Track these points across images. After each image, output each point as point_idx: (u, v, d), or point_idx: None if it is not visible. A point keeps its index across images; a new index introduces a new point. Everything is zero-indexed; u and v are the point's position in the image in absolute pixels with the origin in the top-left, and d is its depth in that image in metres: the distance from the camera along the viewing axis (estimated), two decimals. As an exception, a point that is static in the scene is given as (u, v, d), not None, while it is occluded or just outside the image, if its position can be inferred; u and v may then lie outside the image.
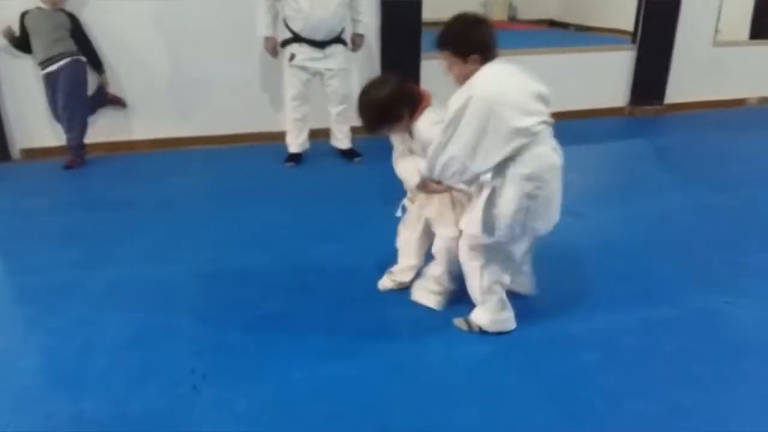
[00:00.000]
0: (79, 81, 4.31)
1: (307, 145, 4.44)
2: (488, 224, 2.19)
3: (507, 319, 2.42)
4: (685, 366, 2.24)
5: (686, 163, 4.54)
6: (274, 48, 4.19)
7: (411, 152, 2.49)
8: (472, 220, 2.25)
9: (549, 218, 2.26)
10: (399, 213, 2.64)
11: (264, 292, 2.74)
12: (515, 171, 2.12)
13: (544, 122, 2.17)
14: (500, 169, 2.13)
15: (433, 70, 4.92)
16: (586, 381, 2.16)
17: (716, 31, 5.88)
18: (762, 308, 2.60)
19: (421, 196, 2.52)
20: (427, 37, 5.04)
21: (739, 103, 6.16)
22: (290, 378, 2.15)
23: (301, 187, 4.03)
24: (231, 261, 3.02)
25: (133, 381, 2.14)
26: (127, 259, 3.05)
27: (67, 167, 4.37)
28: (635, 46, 5.61)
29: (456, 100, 2.14)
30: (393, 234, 2.73)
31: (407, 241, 2.68)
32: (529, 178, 2.13)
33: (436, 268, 2.57)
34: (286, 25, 4.12)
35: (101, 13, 4.43)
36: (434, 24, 7.02)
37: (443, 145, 2.15)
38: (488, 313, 2.39)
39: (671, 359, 2.28)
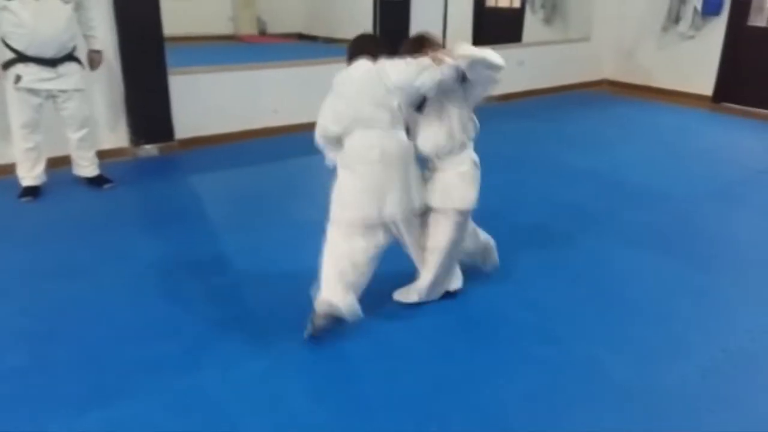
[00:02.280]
0: None
1: (44, 177, 3.96)
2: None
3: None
4: (442, 342, 2.49)
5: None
6: None
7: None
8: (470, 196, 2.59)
9: None
10: None
11: (2, 343, 2.41)
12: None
13: None
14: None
15: (185, 85, 4.86)
16: (358, 373, 2.28)
17: (444, 39, 6.56)
18: (504, 282, 2.98)
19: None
20: (175, 53, 4.88)
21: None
22: (46, 435, 1.93)
23: (41, 223, 3.59)
24: (-43, 318, 2.60)
25: None
26: None
27: None
28: (376, 56, 6.03)
29: None
30: (149, 265, 2.58)
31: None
32: None
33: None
34: (5, 44, 3.63)
35: None
36: (181, 39, 6.78)
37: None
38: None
39: (431, 338, 2.51)
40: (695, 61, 7.13)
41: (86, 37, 3.97)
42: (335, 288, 2.41)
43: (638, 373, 2.31)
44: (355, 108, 2.41)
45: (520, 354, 2.42)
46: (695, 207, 4.01)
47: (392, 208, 2.43)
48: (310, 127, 2.55)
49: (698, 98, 7.12)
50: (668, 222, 3.75)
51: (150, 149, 4.80)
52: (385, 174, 2.42)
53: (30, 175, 3.88)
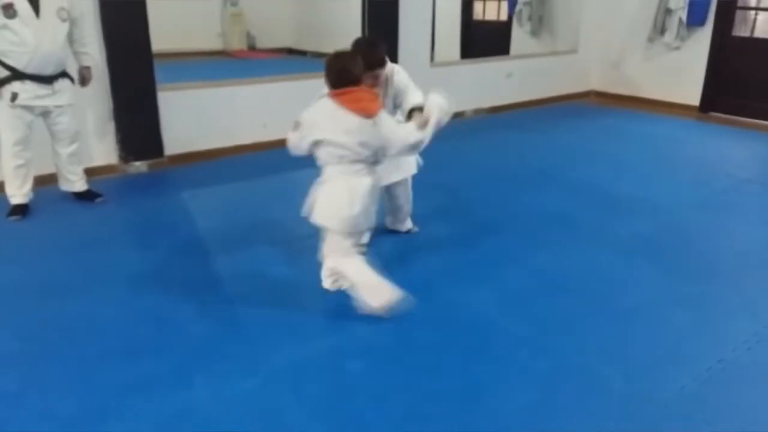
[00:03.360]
0: None
1: (32, 195, 3.92)
2: None
3: None
4: (435, 357, 2.46)
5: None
6: None
7: None
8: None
9: None
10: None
11: (-8, 367, 2.37)
12: None
13: None
14: None
15: (175, 101, 4.84)
16: (352, 390, 2.25)
17: (432, 53, 6.61)
18: (496, 293, 2.97)
19: None
20: (165, 69, 4.87)
21: (458, 115, 6.98)
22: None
23: (31, 241, 3.56)
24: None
25: None
26: None
27: None
28: (366, 70, 6.05)
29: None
30: (138, 282, 2.55)
31: None
32: None
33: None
34: (1, 62, 3.60)
35: None
36: (170, 55, 6.78)
37: None
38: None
39: (424, 352, 2.49)
40: (682, 72, 7.20)
41: (78, 53, 3.97)
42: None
43: (635, 384, 2.30)
44: None
45: (515, 366, 2.41)
46: (685, 216, 4.03)
47: None
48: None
49: (685, 108, 7.19)
50: (659, 231, 3.76)
51: (139, 165, 4.77)
52: None
53: (20, 192, 3.85)
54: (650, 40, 7.38)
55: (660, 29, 7.21)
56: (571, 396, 2.24)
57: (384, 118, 2.64)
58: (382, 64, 3.02)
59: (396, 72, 3.18)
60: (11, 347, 2.51)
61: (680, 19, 6.97)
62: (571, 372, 2.38)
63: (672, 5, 6.97)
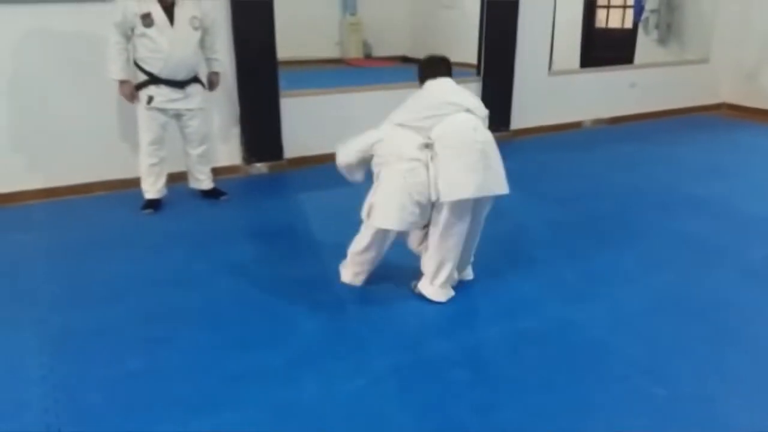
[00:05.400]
0: None
1: (165, 191, 4.25)
2: None
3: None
4: (545, 373, 2.39)
5: (533, 182, 4.90)
6: (131, 92, 3.96)
7: None
8: None
9: None
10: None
11: (122, 347, 2.58)
12: None
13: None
14: None
15: (294, 107, 5.05)
16: (457, 399, 2.23)
17: (551, 61, 6.45)
18: (610, 312, 2.85)
19: None
20: (286, 76, 5.09)
21: (576, 126, 6.77)
22: (158, 436, 2.04)
23: (162, 234, 3.85)
24: (84, 319, 2.80)
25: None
26: (-36, 329, 2.74)
27: None
28: (480, 78, 6.01)
29: None
30: (257, 278, 2.68)
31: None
32: None
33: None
34: (140, 67, 3.94)
35: None
36: (291, 63, 7.08)
37: None
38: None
39: (532, 368, 2.43)
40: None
41: (209, 60, 4.24)
42: None
43: (760, 421, 2.12)
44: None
45: (626, 389, 2.29)
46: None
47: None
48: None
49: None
50: (798, 257, 3.44)
51: (261, 167, 5.03)
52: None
53: (153, 188, 4.17)
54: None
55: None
56: (687, 427, 2.10)
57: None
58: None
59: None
60: (139, 332, 2.71)
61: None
62: (687, 401, 2.23)
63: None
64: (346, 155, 2.98)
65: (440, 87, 2.91)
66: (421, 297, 2.91)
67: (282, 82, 4.98)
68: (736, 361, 2.48)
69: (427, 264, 2.89)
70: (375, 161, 2.90)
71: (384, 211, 2.80)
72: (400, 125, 2.88)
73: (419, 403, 2.23)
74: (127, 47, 3.89)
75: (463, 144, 2.72)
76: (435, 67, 3.00)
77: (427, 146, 2.79)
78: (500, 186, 2.80)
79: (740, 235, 3.74)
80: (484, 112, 2.89)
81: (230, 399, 2.24)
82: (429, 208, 2.82)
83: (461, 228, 2.80)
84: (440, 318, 2.79)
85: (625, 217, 4.07)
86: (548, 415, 2.15)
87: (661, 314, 2.84)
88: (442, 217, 2.77)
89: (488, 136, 2.80)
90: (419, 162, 2.76)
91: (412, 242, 3.05)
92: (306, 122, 5.18)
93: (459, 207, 2.74)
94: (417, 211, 2.77)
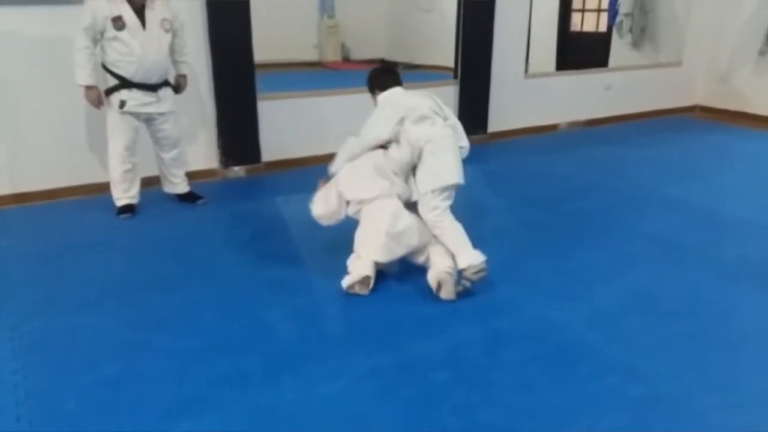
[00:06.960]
0: None
1: (138, 197, 4.17)
2: None
3: None
4: (524, 373, 2.41)
5: (511, 184, 4.93)
6: (98, 97, 3.87)
7: None
8: None
9: None
10: None
11: (98, 352, 2.53)
12: None
13: None
14: None
15: (272, 110, 5.02)
16: (437, 400, 2.24)
17: (527, 64, 6.51)
18: (587, 312, 2.87)
19: None
20: (263, 79, 5.06)
21: (552, 128, 6.84)
22: (135, 443, 2.01)
23: (138, 238, 3.79)
24: (59, 324, 2.76)
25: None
26: (-68, 336, 2.67)
27: None
28: (457, 81, 6.04)
29: None
30: (235, 281, 2.66)
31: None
32: None
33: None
34: (110, 71, 3.87)
35: None
36: (269, 66, 7.06)
37: None
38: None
39: (511, 368, 2.44)
40: (798, 86, 6.73)
41: (177, 62, 4.16)
42: None
43: (736, 418, 2.15)
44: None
45: (605, 388, 2.31)
46: (800, 240, 3.74)
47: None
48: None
49: (801, 125, 6.71)
50: (769, 256, 3.52)
51: (238, 170, 4.99)
52: None
53: (127, 195, 4.09)
54: (761, 53, 6.94)
55: (773, 42, 6.77)
56: (665, 424, 2.12)
57: None
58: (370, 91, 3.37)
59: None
60: (116, 336, 2.67)
61: (798, 31, 6.52)
62: (665, 399, 2.25)
63: (789, 15, 6.53)
64: (323, 199, 3.27)
65: (395, 96, 3.20)
66: (400, 301, 2.92)
67: (259, 85, 4.95)
68: (712, 359, 2.52)
69: (450, 245, 3.02)
70: (350, 211, 3.16)
71: (371, 247, 3.03)
72: (366, 148, 3.28)
73: (399, 404, 2.22)
74: (95, 51, 3.81)
75: (436, 144, 3.03)
76: (386, 78, 3.30)
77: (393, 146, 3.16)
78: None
79: (715, 235, 3.81)
80: (445, 110, 3.19)
81: (209, 403, 2.21)
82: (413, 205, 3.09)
83: (446, 204, 3.06)
84: (420, 319, 2.79)
85: (601, 218, 4.11)
86: (528, 415, 2.16)
87: (638, 313, 2.87)
88: (431, 206, 3.03)
89: (449, 131, 3.11)
90: (392, 187, 3.06)
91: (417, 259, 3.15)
92: (284, 125, 5.16)
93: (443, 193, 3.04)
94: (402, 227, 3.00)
